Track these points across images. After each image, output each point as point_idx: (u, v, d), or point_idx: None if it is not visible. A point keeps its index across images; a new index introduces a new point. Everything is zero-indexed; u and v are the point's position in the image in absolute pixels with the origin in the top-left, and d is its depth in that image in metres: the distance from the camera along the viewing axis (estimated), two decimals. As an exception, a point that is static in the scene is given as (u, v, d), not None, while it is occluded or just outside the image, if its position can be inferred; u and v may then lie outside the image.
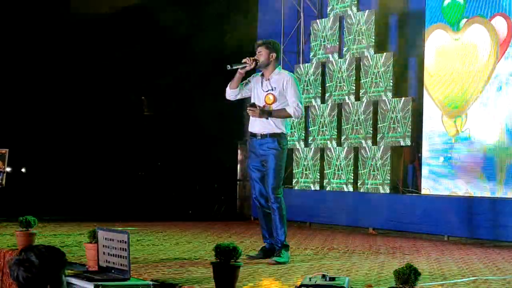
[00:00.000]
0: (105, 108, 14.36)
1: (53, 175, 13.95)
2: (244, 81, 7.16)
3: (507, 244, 8.76)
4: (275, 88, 7.00)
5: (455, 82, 9.93)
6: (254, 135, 7.07)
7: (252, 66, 7.05)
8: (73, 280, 5.22)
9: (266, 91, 7.02)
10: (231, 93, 7.20)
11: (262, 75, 7.12)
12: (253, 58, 7.05)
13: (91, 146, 14.34)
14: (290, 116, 6.98)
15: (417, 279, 4.41)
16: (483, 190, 9.46)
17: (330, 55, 11.73)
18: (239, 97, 7.25)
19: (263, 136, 6.98)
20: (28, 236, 7.33)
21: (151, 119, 15.15)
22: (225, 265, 5.17)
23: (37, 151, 13.85)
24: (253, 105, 6.98)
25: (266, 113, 6.93)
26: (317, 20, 12.15)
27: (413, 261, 6.90)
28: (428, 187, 10.15)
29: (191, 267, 6.39)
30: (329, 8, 11.90)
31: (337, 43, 11.67)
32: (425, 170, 10.22)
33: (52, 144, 13.92)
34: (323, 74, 11.79)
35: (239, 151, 13.13)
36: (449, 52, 10.09)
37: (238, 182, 13.19)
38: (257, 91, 7.08)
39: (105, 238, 5.51)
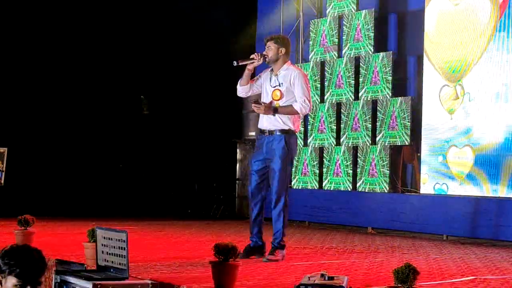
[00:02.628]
0: (104, 107, 14.35)
1: (52, 174, 13.94)
2: (255, 77, 7.12)
3: (506, 244, 8.76)
4: (282, 83, 6.91)
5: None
6: (262, 131, 7.00)
7: (260, 62, 6.96)
8: (72, 279, 5.21)
9: (274, 87, 6.94)
10: (242, 90, 7.13)
11: (272, 70, 7.06)
12: (261, 53, 6.99)
13: (90, 145, 14.33)
14: (297, 113, 6.87)
15: (416, 279, 4.40)
16: (482, 189, 9.45)
17: (329, 54, 11.72)
18: (250, 93, 7.17)
19: (271, 132, 6.89)
20: (26, 235, 7.32)
21: (150, 118, 15.14)
22: (224, 264, 5.17)
23: (36, 150, 13.83)
24: (257, 101, 6.92)
25: (272, 109, 6.87)
26: (317, 19, 12.14)
27: (412, 260, 6.89)
28: (427, 186, 10.15)
29: (190, 266, 6.39)
30: (328, 7, 11.88)
31: (336, 42, 11.66)
32: (424, 170, 10.22)
33: (51, 143, 13.90)
34: (322, 73, 11.78)
35: (238, 150, 13.11)
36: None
37: (237, 181, 13.18)
38: (266, 87, 7.01)
39: (104, 237, 5.49)
